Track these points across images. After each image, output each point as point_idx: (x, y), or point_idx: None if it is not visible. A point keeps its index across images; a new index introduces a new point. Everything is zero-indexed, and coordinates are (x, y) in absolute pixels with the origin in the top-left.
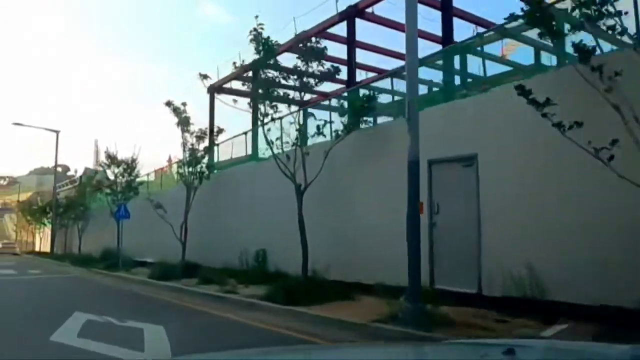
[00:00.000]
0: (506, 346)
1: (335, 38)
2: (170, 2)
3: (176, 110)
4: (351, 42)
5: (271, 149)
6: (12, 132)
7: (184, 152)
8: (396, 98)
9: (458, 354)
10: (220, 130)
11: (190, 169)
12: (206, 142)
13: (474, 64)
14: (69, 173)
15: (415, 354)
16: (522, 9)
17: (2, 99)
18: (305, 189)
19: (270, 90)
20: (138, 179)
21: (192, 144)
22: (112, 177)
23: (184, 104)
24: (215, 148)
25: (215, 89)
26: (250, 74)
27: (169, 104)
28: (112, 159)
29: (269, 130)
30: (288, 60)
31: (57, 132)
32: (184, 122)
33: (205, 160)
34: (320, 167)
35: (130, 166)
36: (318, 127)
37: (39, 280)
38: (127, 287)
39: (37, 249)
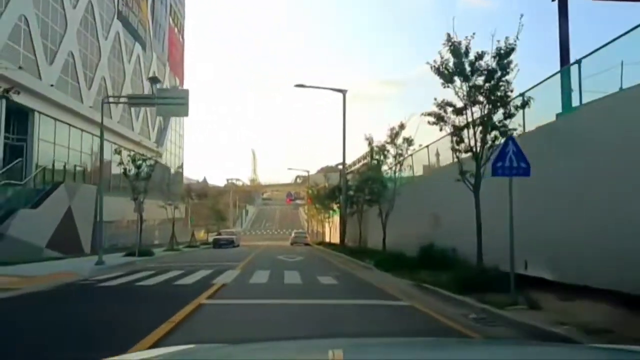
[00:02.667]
0: None
1: None
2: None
3: None
4: None
5: None
6: (301, 137)
7: None
8: None
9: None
10: None
11: None
12: None
13: None
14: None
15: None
16: None
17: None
18: None
19: None
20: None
21: None
22: (461, 94)
23: None
24: None
25: None
26: None
27: None
28: (457, 54)
29: None
30: None
31: (343, 91)
32: None
33: None
34: None
35: (501, 64)
36: None
37: (341, 320)
38: None
39: (326, 239)
